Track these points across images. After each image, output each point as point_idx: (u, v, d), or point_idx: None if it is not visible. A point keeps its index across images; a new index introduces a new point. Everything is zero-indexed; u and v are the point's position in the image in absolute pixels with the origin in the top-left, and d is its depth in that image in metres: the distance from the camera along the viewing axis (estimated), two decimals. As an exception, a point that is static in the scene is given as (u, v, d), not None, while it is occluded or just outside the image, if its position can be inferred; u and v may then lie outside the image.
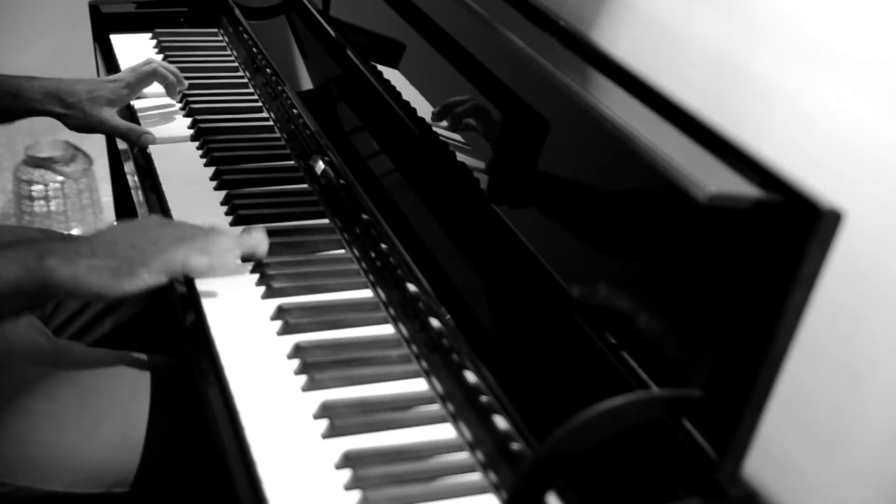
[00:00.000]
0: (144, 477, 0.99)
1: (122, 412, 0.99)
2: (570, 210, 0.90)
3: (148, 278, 0.92)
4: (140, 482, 0.99)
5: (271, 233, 1.07)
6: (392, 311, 0.96)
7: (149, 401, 1.00)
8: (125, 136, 1.30)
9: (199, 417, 0.89)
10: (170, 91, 1.39)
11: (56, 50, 2.47)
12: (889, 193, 0.70)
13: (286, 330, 0.93)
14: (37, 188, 2.32)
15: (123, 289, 0.91)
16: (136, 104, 1.39)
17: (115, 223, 1.01)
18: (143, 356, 1.05)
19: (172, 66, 1.39)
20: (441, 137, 1.09)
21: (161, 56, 1.54)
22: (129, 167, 1.32)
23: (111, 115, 1.30)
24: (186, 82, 1.40)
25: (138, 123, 1.35)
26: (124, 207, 1.74)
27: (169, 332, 1.03)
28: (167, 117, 1.38)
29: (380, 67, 1.24)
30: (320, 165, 1.17)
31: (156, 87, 1.38)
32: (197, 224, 1.00)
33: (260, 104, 1.40)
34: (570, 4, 1.04)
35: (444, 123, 1.08)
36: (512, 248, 0.93)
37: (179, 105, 1.40)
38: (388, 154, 1.15)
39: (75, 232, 2.31)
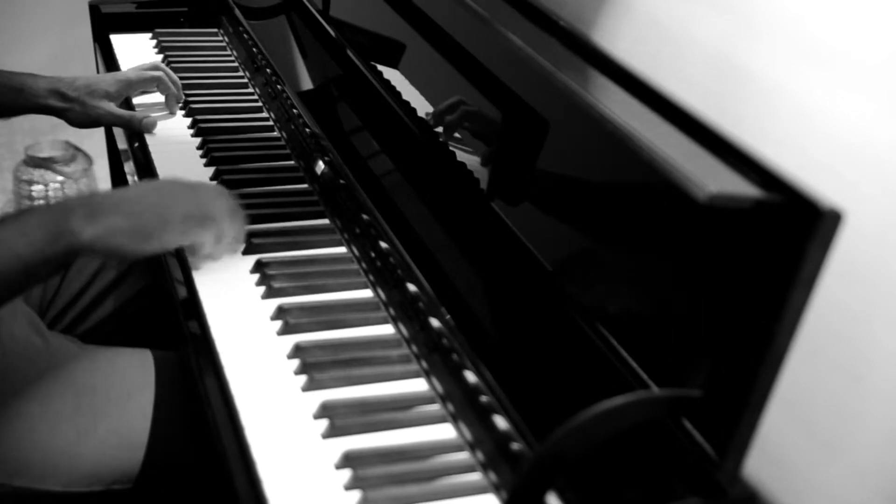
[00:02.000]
0: (148, 472, 0.99)
1: (118, 410, 0.99)
2: (570, 210, 0.90)
3: (165, 242, 0.94)
4: (144, 477, 0.99)
5: (271, 233, 1.07)
6: (392, 311, 0.96)
7: (145, 396, 1.00)
8: (127, 125, 1.31)
9: (199, 411, 0.89)
10: (168, 102, 1.38)
11: (56, 50, 2.47)
12: (889, 193, 0.70)
13: (286, 330, 0.93)
14: (37, 188, 2.32)
15: (142, 250, 0.93)
16: (136, 100, 1.39)
17: (139, 181, 1.04)
18: (139, 352, 1.05)
19: (176, 77, 1.39)
20: (441, 137, 1.09)
21: (161, 56, 1.54)
22: (129, 167, 1.32)
23: (110, 107, 1.30)
24: (182, 98, 1.40)
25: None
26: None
27: (168, 321, 1.03)
28: (167, 116, 1.37)
29: (380, 67, 1.24)
30: (320, 165, 1.17)
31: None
32: (216, 191, 1.03)
33: (260, 104, 1.40)
34: (570, 4, 1.04)
35: (440, 128, 1.08)
36: (512, 247, 0.93)
37: (179, 106, 1.40)
38: (388, 154, 1.15)
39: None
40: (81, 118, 1.30)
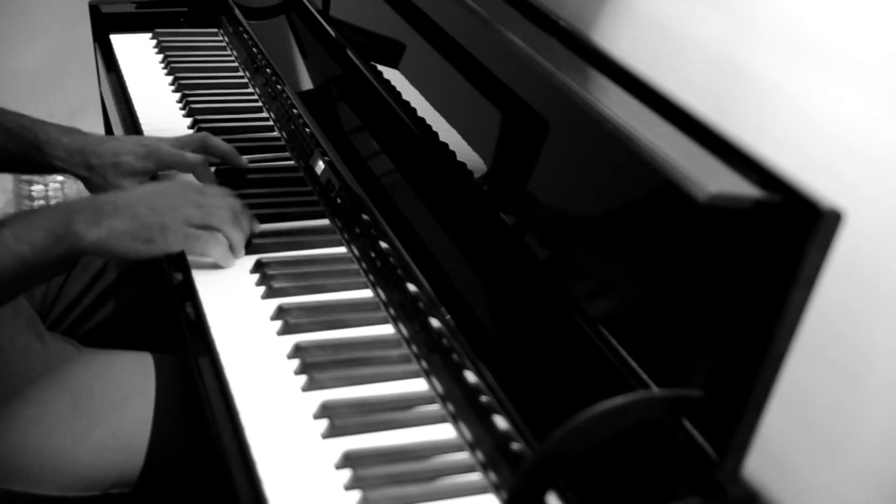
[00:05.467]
0: (149, 473, 0.98)
1: (114, 413, 0.99)
2: (570, 210, 0.90)
3: (164, 246, 0.96)
4: (145, 479, 0.98)
5: (271, 233, 1.07)
6: (392, 311, 0.96)
7: (142, 399, 1.00)
8: None
9: (199, 412, 0.89)
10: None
11: (56, 50, 2.47)
12: (889, 193, 0.70)
13: (286, 330, 0.93)
14: (37, 188, 2.32)
15: (143, 252, 0.95)
16: (137, 106, 1.39)
17: (146, 183, 1.06)
18: (137, 354, 1.05)
19: (226, 147, 1.21)
20: (441, 137, 1.09)
21: (161, 56, 1.54)
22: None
23: (132, 186, 1.16)
24: (245, 160, 1.23)
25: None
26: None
27: (168, 324, 1.03)
28: (167, 117, 1.37)
29: (380, 67, 1.24)
30: (320, 165, 1.17)
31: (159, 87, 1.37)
32: (221, 193, 1.03)
33: (260, 104, 1.40)
34: (570, 4, 1.04)
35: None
36: (512, 247, 0.93)
37: (180, 106, 1.39)
38: (388, 154, 1.15)
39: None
40: (100, 191, 1.17)
